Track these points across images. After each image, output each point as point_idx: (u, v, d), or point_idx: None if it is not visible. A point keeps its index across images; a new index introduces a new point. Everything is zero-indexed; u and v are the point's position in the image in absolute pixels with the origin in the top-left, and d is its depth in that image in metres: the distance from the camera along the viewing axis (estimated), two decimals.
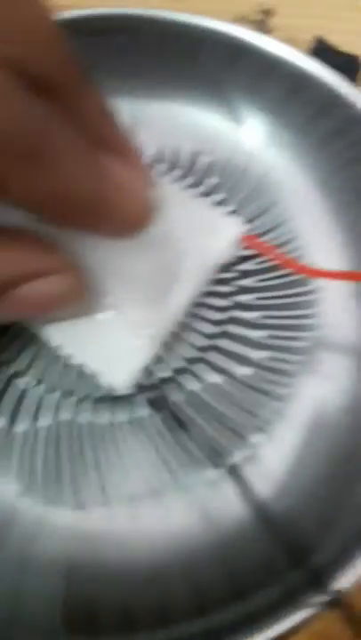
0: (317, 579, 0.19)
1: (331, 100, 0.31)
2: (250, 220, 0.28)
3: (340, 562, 0.20)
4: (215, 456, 0.23)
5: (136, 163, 0.19)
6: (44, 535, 0.24)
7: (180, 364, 0.24)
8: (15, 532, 0.24)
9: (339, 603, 0.19)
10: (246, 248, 0.27)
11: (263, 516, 0.21)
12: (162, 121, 0.31)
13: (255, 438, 0.24)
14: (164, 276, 0.24)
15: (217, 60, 0.32)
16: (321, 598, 0.20)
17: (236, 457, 0.24)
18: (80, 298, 0.21)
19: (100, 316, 0.23)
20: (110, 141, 0.18)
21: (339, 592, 0.20)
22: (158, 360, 0.24)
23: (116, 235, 0.20)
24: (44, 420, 0.24)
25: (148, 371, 0.24)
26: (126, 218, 0.19)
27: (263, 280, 0.27)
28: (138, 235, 0.20)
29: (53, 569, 0.24)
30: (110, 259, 0.23)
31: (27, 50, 0.16)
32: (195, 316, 0.25)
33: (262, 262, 0.27)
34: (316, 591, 0.19)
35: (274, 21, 0.35)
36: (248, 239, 0.26)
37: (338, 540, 0.21)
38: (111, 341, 0.23)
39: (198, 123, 0.31)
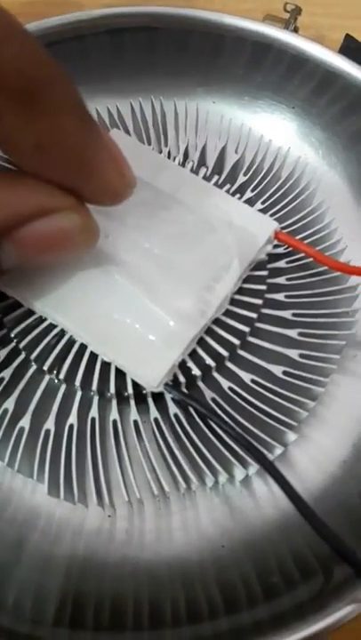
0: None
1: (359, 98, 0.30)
2: (280, 219, 0.27)
3: None
4: (249, 454, 0.23)
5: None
6: (68, 534, 0.24)
7: (213, 361, 0.24)
8: (38, 531, 0.24)
9: None
10: (281, 245, 0.26)
11: (305, 512, 0.21)
12: (189, 119, 0.31)
13: (288, 437, 0.24)
14: (206, 269, 0.24)
15: (245, 58, 0.32)
16: None
17: (272, 455, 0.24)
18: (93, 238, 0.21)
19: (132, 313, 0.23)
20: None
21: None
22: (191, 357, 0.24)
23: (93, 199, 0.20)
24: (70, 419, 0.24)
25: (180, 368, 0.23)
26: (110, 182, 0.19)
27: (293, 279, 0.26)
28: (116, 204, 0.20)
29: (75, 567, 0.24)
30: (153, 250, 0.23)
31: None
32: (227, 313, 0.25)
33: (292, 261, 0.27)
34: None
35: (302, 20, 0.35)
36: (283, 236, 0.26)
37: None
38: (144, 338, 0.23)
39: (225, 121, 0.31)
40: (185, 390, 0.24)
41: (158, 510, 0.24)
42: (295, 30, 0.35)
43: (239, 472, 0.24)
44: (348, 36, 0.35)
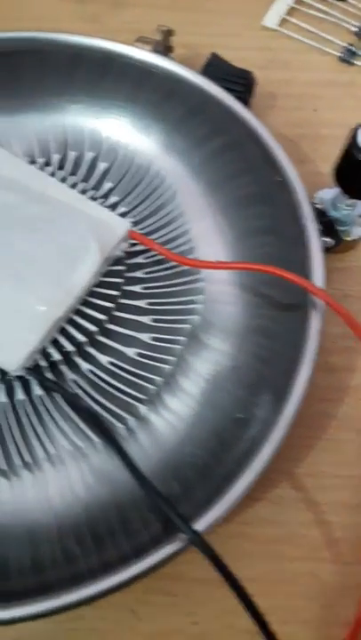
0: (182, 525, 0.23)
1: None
2: (141, 220, 0.31)
3: (198, 514, 0.24)
4: (102, 426, 0.26)
5: None
6: None
7: (73, 346, 0.27)
8: None
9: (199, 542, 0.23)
10: (134, 244, 0.30)
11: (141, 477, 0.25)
12: (70, 133, 0.34)
13: (140, 410, 0.28)
14: (63, 262, 0.27)
15: (125, 81, 0.35)
16: (185, 538, 0.23)
17: (127, 425, 0.27)
18: None
19: None
20: None
21: (198, 533, 0.23)
22: (53, 344, 0.27)
23: None
24: None
25: (42, 353, 0.27)
26: None
27: (149, 272, 0.30)
28: None
29: None
30: (13, 240, 0.26)
31: None
32: (87, 303, 0.28)
33: (148, 257, 0.30)
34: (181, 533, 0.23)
35: (175, 40, 0.39)
36: (136, 235, 0.29)
37: (199, 498, 0.25)
38: (6, 325, 0.26)
39: (102, 134, 0.34)
40: (48, 373, 0.27)
41: (33, 479, 0.27)
42: (169, 50, 0.39)
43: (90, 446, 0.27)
44: (213, 54, 0.39)
